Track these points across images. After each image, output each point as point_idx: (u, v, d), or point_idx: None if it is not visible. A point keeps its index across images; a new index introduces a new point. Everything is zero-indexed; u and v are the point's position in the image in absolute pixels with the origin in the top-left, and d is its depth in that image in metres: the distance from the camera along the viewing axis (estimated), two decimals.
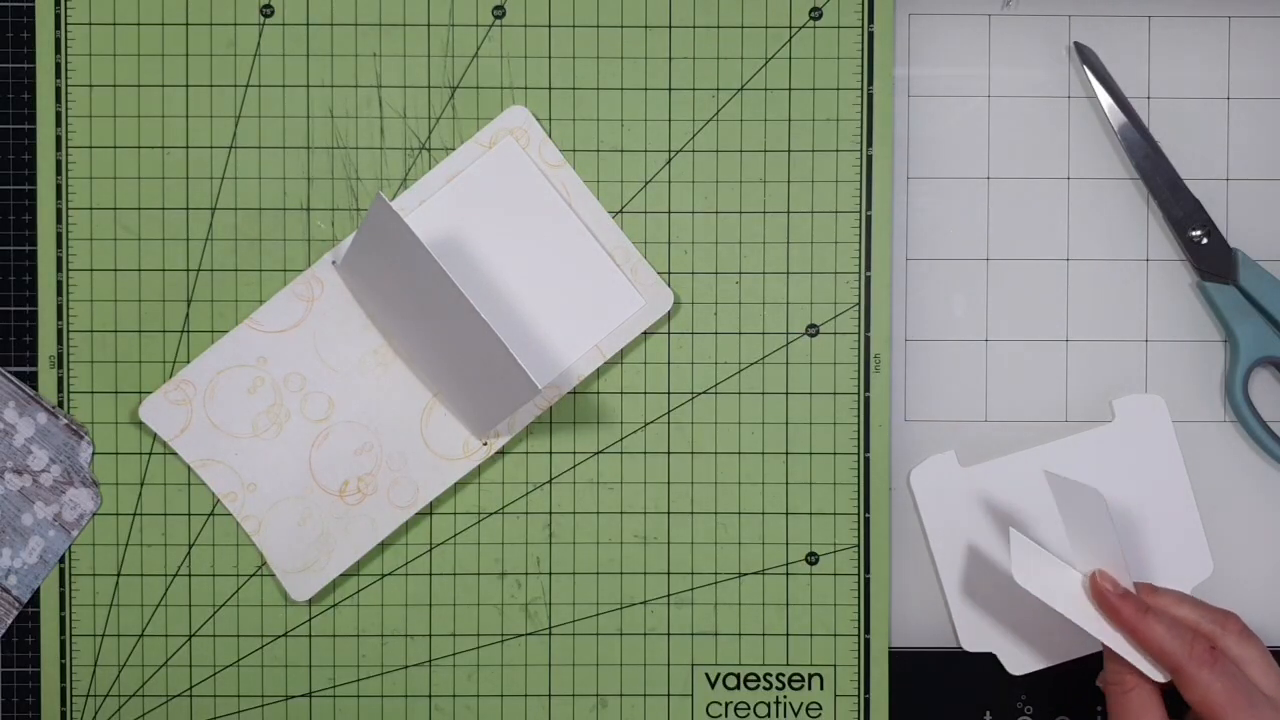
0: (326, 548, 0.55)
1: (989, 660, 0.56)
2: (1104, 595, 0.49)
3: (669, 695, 0.56)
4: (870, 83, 0.56)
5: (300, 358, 0.55)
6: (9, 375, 0.55)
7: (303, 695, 0.56)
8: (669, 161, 0.56)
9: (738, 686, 0.56)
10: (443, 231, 0.55)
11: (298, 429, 0.55)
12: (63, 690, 0.56)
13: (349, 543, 0.55)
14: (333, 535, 0.55)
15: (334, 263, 0.55)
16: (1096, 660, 0.56)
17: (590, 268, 0.55)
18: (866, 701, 0.56)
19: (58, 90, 0.55)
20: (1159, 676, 0.49)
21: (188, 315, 0.55)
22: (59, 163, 0.55)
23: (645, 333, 0.56)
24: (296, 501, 0.55)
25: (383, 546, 0.56)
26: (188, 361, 0.55)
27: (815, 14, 0.56)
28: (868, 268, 0.56)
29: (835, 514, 0.56)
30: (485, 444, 0.55)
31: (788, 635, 0.56)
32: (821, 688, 0.56)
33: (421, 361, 0.54)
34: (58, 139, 0.55)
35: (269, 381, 0.55)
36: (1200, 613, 0.50)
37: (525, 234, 0.55)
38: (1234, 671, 0.48)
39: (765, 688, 0.56)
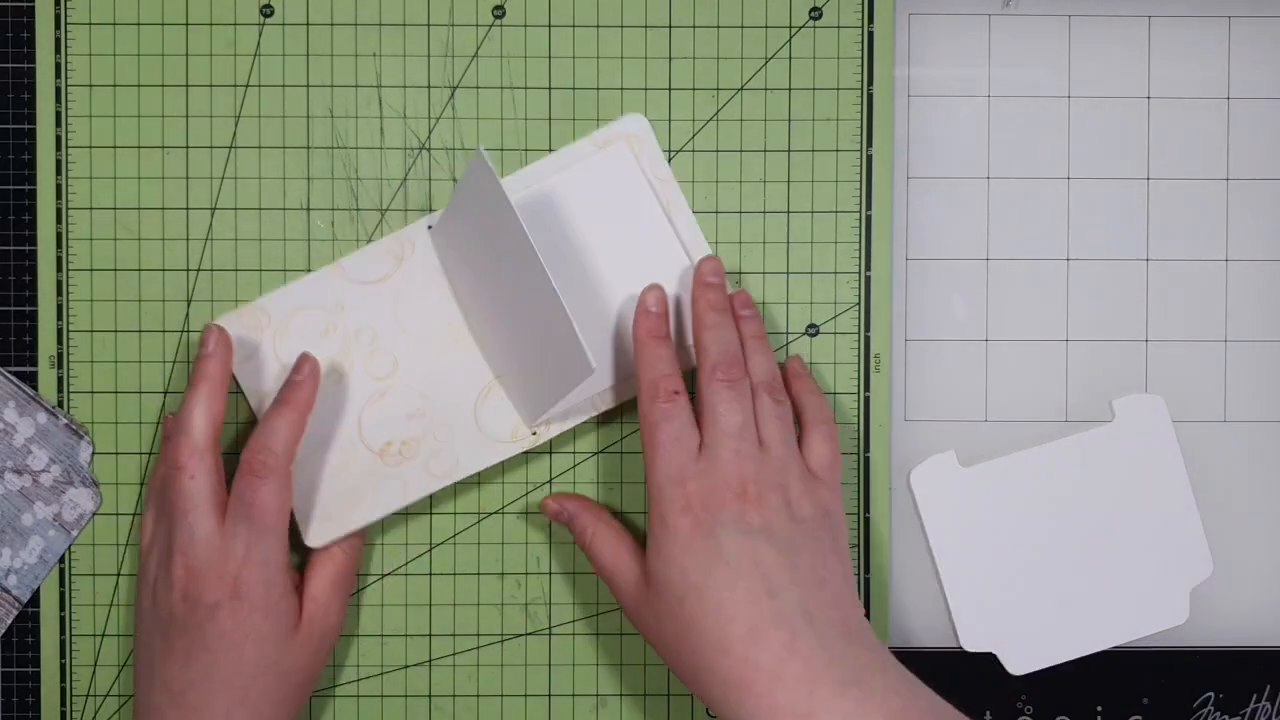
0: (351, 501, 0.54)
1: (989, 660, 0.56)
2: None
3: (669, 695, 0.56)
4: (870, 83, 0.56)
5: (378, 314, 0.54)
6: (9, 375, 0.55)
7: None
8: (669, 162, 0.56)
9: None
10: (540, 222, 0.54)
11: (358, 383, 0.54)
12: (63, 690, 0.56)
13: (375, 500, 0.54)
14: (361, 490, 0.54)
15: (429, 227, 0.55)
16: (1097, 660, 0.56)
17: (675, 285, 0.55)
18: None
19: (58, 90, 0.55)
20: None
21: (187, 315, 0.55)
22: (59, 163, 0.55)
23: None
24: (335, 452, 0.54)
25: (383, 546, 0.56)
26: (187, 362, 0.55)
27: (815, 14, 0.56)
28: (868, 268, 0.56)
29: None
30: (534, 433, 0.55)
31: None
32: None
33: (491, 338, 0.54)
34: (58, 139, 0.55)
35: (341, 330, 0.54)
36: None
37: (619, 240, 0.55)
38: None
39: None
